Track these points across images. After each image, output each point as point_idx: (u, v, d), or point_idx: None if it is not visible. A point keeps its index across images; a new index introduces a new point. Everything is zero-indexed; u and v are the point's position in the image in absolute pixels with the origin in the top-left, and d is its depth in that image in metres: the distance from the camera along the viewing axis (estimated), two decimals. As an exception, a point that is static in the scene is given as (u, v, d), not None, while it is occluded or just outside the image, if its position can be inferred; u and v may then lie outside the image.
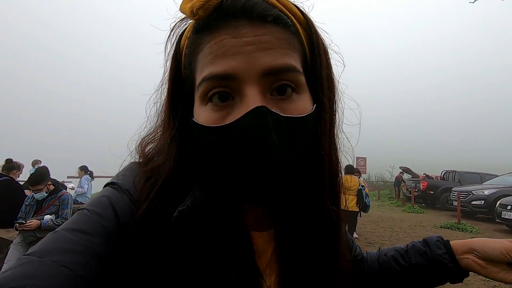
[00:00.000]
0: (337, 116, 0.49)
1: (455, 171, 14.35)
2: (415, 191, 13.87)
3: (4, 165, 4.27)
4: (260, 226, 0.50)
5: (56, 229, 0.39)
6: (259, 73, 0.39)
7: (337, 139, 0.50)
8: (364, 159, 17.57)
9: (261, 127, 0.37)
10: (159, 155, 0.47)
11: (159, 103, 0.51)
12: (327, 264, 0.50)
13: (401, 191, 16.54)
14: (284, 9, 0.42)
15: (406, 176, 17.59)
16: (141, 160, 0.49)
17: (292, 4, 0.44)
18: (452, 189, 12.05)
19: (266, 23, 0.40)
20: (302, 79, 0.42)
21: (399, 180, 17.71)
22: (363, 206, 6.17)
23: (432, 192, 13.66)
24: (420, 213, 12.18)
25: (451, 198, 11.82)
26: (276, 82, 0.40)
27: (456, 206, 9.89)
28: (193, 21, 0.43)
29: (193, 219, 0.40)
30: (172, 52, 0.47)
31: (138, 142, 0.50)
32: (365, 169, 17.24)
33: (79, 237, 0.37)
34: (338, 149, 0.50)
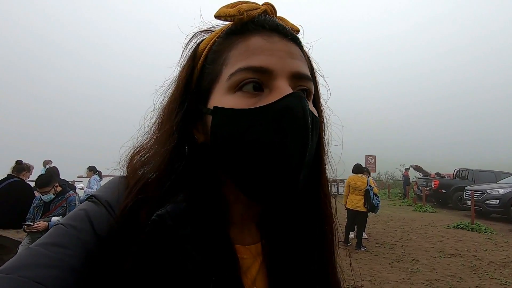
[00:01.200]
0: (325, 136, 0.54)
1: (469, 169, 13.94)
2: (427, 190, 13.58)
3: (14, 167, 4.31)
4: (246, 239, 0.49)
5: (29, 246, 0.37)
6: (289, 73, 0.43)
7: (326, 155, 0.54)
8: (374, 157, 17.32)
9: (302, 109, 0.40)
10: (150, 160, 0.47)
11: (164, 101, 0.51)
12: (319, 281, 0.49)
13: (411, 190, 16.21)
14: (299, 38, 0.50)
15: (412, 172, 17.24)
16: (127, 171, 0.48)
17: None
18: (466, 188, 11.75)
19: (292, 41, 0.47)
20: (313, 90, 0.48)
21: (408, 178, 17.34)
22: (371, 207, 6.09)
23: (444, 191, 13.35)
24: (432, 212, 11.94)
25: (464, 197, 11.52)
26: (297, 87, 0.45)
27: (470, 205, 9.63)
28: (224, 26, 0.49)
29: (172, 224, 0.38)
30: (190, 53, 0.50)
31: (129, 152, 0.50)
32: (375, 167, 16.96)
33: (54, 251, 0.36)
34: (327, 165, 0.54)
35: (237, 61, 0.43)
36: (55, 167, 7.12)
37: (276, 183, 0.40)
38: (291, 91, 0.41)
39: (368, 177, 6.33)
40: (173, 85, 0.50)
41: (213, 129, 0.43)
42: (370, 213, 6.38)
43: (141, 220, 0.39)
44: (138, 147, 0.50)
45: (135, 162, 0.48)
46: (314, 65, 0.54)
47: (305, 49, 0.53)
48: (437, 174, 15.84)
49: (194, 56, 0.50)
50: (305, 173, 0.42)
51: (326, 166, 0.53)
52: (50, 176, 3.63)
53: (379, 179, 22.89)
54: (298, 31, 0.51)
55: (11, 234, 3.70)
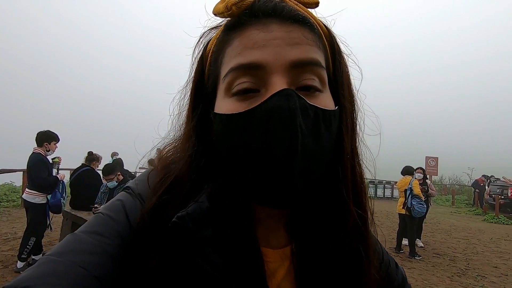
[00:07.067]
0: (357, 125, 0.49)
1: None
2: (501, 198, 11.84)
3: (86, 157, 4.96)
4: (273, 241, 0.47)
5: (74, 232, 0.41)
6: (287, 65, 0.39)
7: (358, 146, 0.48)
8: (436, 159, 15.66)
9: (288, 109, 0.36)
10: (176, 157, 0.48)
11: (181, 105, 0.52)
12: (352, 284, 0.45)
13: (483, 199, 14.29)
14: (309, 15, 0.44)
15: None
16: (158, 164, 0.50)
17: (316, 15, 0.46)
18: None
19: (295, 23, 0.41)
20: (326, 76, 0.43)
21: (480, 185, 15.23)
22: (407, 208, 5.76)
23: (524, 201, 11.49)
24: (506, 224, 10.41)
25: (551, 209, 9.78)
26: (302, 75, 0.40)
27: (558, 219, 8.13)
28: (224, 22, 0.45)
29: (192, 226, 0.38)
30: (199, 56, 0.49)
31: (160, 146, 0.52)
32: (437, 170, 15.34)
33: (95, 239, 0.39)
34: (360, 156, 0.49)
35: (230, 59, 0.41)
36: (120, 158, 7.97)
37: (270, 189, 0.38)
38: (283, 87, 0.38)
39: (426, 179, 5.85)
40: (188, 87, 0.50)
41: (214, 134, 0.43)
42: (430, 221, 5.89)
43: (165, 217, 0.40)
44: (166, 145, 0.51)
45: (165, 154, 0.50)
46: (340, 44, 0.47)
47: (326, 24, 0.46)
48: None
49: (202, 59, 0.48)
50: (304, 175, 0.38)
51: (357, 161, 0.47)
52: (114, 165, 4.09)
53: (441, 184, 20.69)
54: (314, 4, 0.45)
55: (83, 215, 4.24)
